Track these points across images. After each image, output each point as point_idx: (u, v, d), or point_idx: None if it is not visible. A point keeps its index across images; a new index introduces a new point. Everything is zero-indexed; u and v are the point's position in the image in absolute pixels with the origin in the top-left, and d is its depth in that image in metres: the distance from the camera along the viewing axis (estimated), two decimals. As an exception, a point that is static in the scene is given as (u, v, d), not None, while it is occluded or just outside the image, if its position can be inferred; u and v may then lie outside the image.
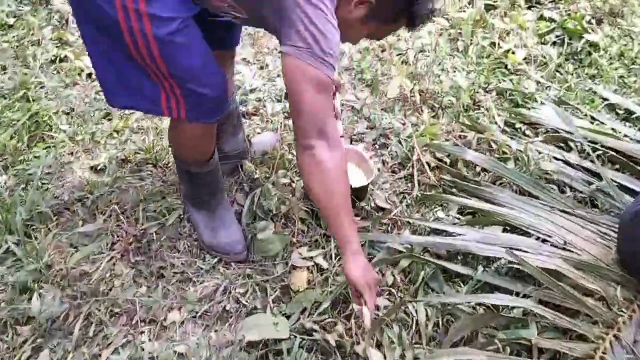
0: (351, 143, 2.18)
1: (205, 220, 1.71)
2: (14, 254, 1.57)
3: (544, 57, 2.89)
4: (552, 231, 1.79)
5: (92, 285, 1.54)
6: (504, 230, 1.86)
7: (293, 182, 1.95)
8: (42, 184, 1.82)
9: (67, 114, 2.16)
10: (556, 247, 1.76)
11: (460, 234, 1.76)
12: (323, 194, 1.30)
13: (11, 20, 2.63)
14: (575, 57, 2.93)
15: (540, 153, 2.17)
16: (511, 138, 2.28)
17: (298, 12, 1.22)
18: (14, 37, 2.49)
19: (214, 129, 1.59)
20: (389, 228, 1.84)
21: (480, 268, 1.65)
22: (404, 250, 1.72)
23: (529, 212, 1.88)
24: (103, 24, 1.30)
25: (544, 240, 1.77)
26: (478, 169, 2.10)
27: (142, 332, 1.48)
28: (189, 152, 1.61)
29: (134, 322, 1.50)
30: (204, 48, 1.39)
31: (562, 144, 2.24)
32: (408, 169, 2.10)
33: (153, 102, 1.44)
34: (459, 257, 1.72)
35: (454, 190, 2.00)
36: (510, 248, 1.67)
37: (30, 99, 2.14)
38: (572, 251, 1.73)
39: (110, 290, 1.55)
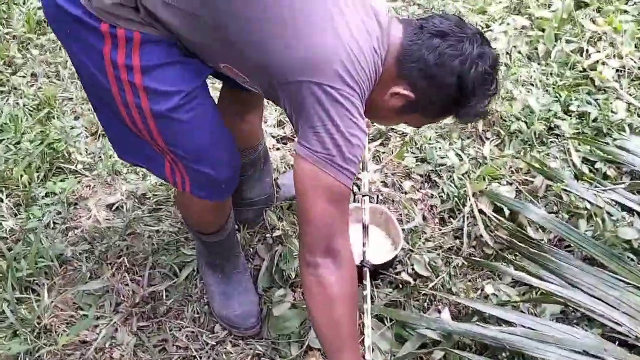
0: (374, 201, 1.91)
1: (217, 285, 1.54)
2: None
3: (642, 70, 2.43)
4: (622, 323, 1.49)
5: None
6: (562, 313, 1.58)
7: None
8: (53, 225, 1.70)
9: (92, 134, 2.02)
10: (625, 345, 1.46)
11: (508, 323, 1.50)
12: (326, 324, 1.09)
13: (50, 16, 2.50)
14: (683, 69, 2.45)
15: (621, 209, 1.81)
16: (589, 182, 1.93)
17: (318, 110, 0.99)
18: (47, 40, 2.36)
19: (227, 202, 1.39)
20: (426, 304, 1.59)
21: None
22: (440, 339, 1.48)
23: (598, 289, 1.58)
24: (99, 93, 1.13)
25: (610, 334, 1.47)
26: (542, 225, 1.78)
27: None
28: (197, 223, 1.43)
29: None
30: (214, 122, 1.19)
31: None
32: (459, 220, 1.82)
33: (159, 169, 1.26)
34: (505, 354, 1.45)
35: (509, 252, 1.71)
36: (567, 349, 1.40)
37: (55, 117, 2.02)
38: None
39: (107, 365, 1.43)
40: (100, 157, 1.90)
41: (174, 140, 1.15)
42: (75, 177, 1.85)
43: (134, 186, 1.84)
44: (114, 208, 1.79)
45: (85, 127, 2.03)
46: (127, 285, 1.59)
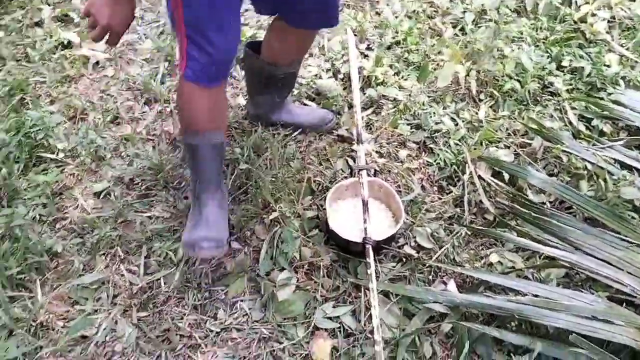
0: (371, 173, 1.86)
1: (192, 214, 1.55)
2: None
3: (632, 20, 2.38)
4: (628, 284, 1.48)
5: (88, 357, 1.37)
6: (567, 276, 1.57)
7: (320, 212, 1.68)
8: (40, 218, 1.62)
9: (71, 119, 1.92)
10: (632, 304, 1.46)
11: (514, 290, 1.48)
12: None
13: (11, -7, 2.35)
14: (674, 18, 2.41)
15: (620, 167, 1.79)
16: (587, 141, 1.90)
17: None
18: (12, 19, 2.22)
19: (219, 105, 1.48)
20: (431, 276, 1.56)
21: (539, 343, 1.37)
22: (447, 311, 1.46)
23: (601, 250, 1.56)
24: None
25: (616, 296, 1.47)
26: (543, 187, 1.75)
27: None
28: (193, 118, 1.45)
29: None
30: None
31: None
32: (459, 188, 1.78)
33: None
34: (513, 323, 1.44)
35: (511, 218, 1.68)
36: (576, 314, 1.39)
37: (28, 105, 1.91)
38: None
39: (110, 359, 1.38)
40: (81, 142, 1.81)
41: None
42: (58, 166, 1.76)
43: (120, 172, 1.76)
44: (101, 196, 1.71)
45: (63, 112, 1.92)
46: (122, 275, 1.53)
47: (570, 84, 2.13)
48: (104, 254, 1.58)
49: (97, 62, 2.14)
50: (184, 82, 1.37)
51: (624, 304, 1.44)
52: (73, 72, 2.08)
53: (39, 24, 2.28)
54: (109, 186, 1.73)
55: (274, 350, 1.41)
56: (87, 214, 1.65)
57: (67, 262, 1.56)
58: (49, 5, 2.34)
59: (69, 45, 2.18)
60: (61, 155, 1.77)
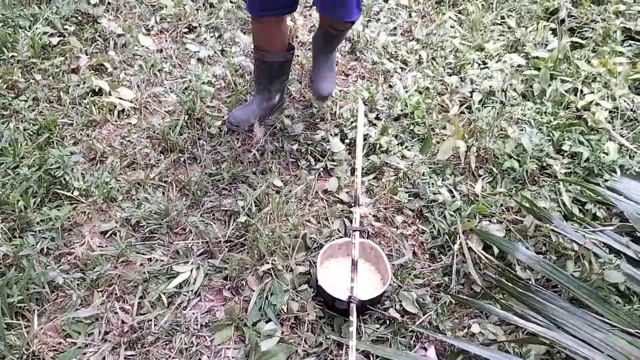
0: (365, 236, 1.93)
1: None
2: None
3: (634, 112, 2.47)
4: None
5: (73, 389, 1.43)
6: (547, 354, 1.59)
7: (312, 268, 1.75)
8: (47, 251, 1.72)
9: (90, 160, 2.05)
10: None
11: (493, 363, 1.51)
12: None
13: (55, 40, 2.55)
14: (674, 112, 2.49)
15: (609, 251, 1.83)
16: (579, 223, 1.95)
17: None
18: (51, 65, 2.41)
19: (266, 29, 2.06)
20: (412, 341, 1.60)
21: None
22: (424, 378, 1.49)
23: (583, 331, 1.59)
24: None
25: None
26: (531, 265, 1.80)
27: None
28: (256, 40, 2.11)
29: None
30: None
31: (640, 236, 1.89)
32: (449, 257, 1.84)
33: None
34: (488, 395, 1.46)
35: (497, 291, 1.72)
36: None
37: (54, 143, 2.05)
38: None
39: (93, 395, 1.44)
40: (96, 184, 1.92)
41: None
42: (71, 204, 1.87)
43: (128, 214, 1.86)
44: (107, 235, 1.81)
45: (84, 154, 2.06)
46: (116, 313, 1.60)
47: (569, 168, 2.20)
48: (101, 290, 1.66)
49: (123, 110, 2.29)
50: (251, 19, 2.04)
51: (600, 387, 1.46)
52: (99, 118, 2.23)
53: (75, 70, 2.46)
54: (116, 226, 1.83)
55: (251, 400, 1.45)
56: (92, 251, 1.75)
57: (66, 296, 1.64)
58: (86, 54, 2.53)
59: (99, 92, 2.35)
60: (76, 193, 1.89)
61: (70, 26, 2.63)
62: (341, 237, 1.84)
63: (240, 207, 1.90)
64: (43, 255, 1.71)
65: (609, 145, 2.27)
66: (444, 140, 2.20)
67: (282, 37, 2.12)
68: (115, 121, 2.26)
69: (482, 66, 2.70)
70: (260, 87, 2.25)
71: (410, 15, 3.00)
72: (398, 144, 2.25)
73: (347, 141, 2.23)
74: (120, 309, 1.61)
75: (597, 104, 2.47)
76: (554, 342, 1.54)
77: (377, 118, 2.38)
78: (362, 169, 2.09)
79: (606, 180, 2.14)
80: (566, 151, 2.25)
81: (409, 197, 2.04)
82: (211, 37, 2.73)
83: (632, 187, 2.10)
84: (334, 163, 2.13)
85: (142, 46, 2.63)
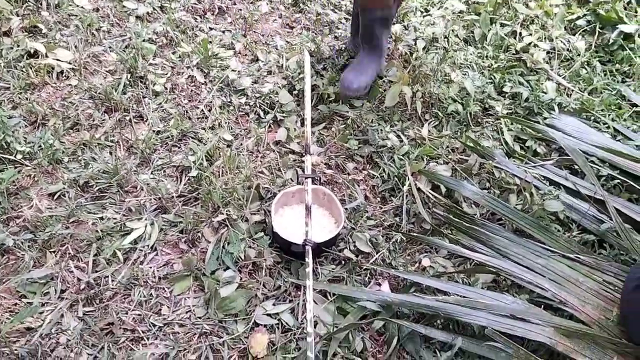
0: (318, 182, 1.97)
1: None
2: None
3: (570, 51, 2.56)
4: (548, 289, 1.60)
5: (32, 347, 1.42)
6: (494, 282, 1.68)
7: (267, 217, 1.77)
8: (-7, 216, 1.68)
9: (32, 124, 1.99)
10: (550, 308, 1.57)
11: (444, 293, 1.59)
12: None
13: (-17, 3, 2.42)
14: (606, 50, 2.60)
15: (549, 184, 1.93)
16: (520, 159, 2.04)
17: None
18: (-19, 28, 2.29)
19: None
20: (367, 278, 1.66)
21: (460, 338, 1.47)
22: (379, 310, 1.55)
23: (526, 258, 1.69)
24: None
25: (537, 299, 1.58)
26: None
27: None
28: None
29: (76, 389, 1.39)
30: None
31: (578, 167, 1.99)
32: (399, 199, 1.90)
33: None
34: (440, 321, 1.54)
35: (446, 227, 1.80)
36: (496, 313, 1.50)
37: (-9, 108, 1.98)
38: (567, 312, 1.55)
39: (53, 351, 1.43)
40: (40, 146, 1.87)
41: None
42: (15, 167, 1.82)
43: (75, 174, 1.82)
44: (56, 197, 1.77)
45: (24, 117, 1.99)
46: (71, 272, 1.59)
47: (510, 108, 2.28)
48: (54, 251, 1.64)
49: (62, 72, 2.21)
50: None
51: (542, 307, 1.56)
52: (37, 80, 2.15)
53: (7, 33, 2.34)
54: (64, 188, 1.79)
55: (213, 344, 1.48)
56: (41, 212, 1.71)
57: (18, 258, 1.61)
58: (17, 15, 2.41)
59: (35, 54, 2.25)
60: (19, 156, 1.83)
61: (-1, -14, 2.49)
62: (294, 185, 1.87)
63: (192, 162, 1.89)
64: (-11, 219, 1.67)
65: (547, 84, 2.36)
66: (390, 87, 2.24)
67: None
68: (55, 83, 2.18)
69: (425, 13, 2.73)
70: (362, 42, 2.23)
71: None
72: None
73: (295, 92, 2.23)
74: (75, 267, 1.60)
75: (535, 46, 2.55)
76: (499, 270, 1.64)
77: (324, 69, 2.39)
78: (312, 119, 2.11)
79: (545, 118, 2.23)
80: (507, 92, 2.33)
81: (358, 144, 2.07)
82: (150, -7, 2.65)
83: (569, 123, 2.20)
84: (283, 115, 2.14)
85: (77, 6, 2.53)
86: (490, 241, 1.74)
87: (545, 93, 2.32)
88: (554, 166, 2.02)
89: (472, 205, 1.88)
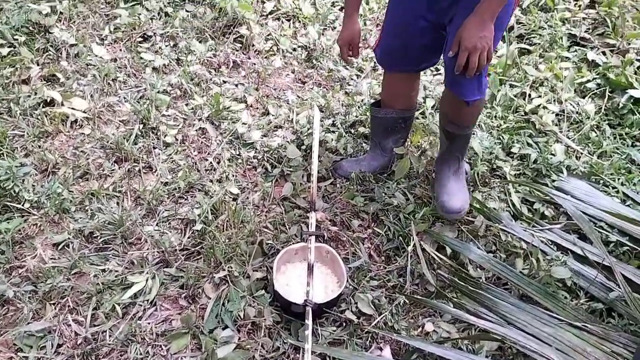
0: (322, 240, 1.96)
1: None
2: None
3: (579, 114, 2.57)
4: (554, 359, 1.55)
5: (24, 404, 1.40)
6: (499, 349, 1.64)
7: (268, 274, 1.76)
8: (-4, 265, 1.69)
9: (42, 172, 2.02)
10: (559, 381, 1.52)
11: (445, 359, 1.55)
12: None
13: (5, 51, 2.50)
14: (616, 114, 2.60)
15: (557, 249, 1.90)
16: (527, 222, 2.02)
17: None
18: (0, 76, 2.36)
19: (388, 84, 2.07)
20: (368, 342, 1.63)
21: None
22: (380, 377, 1.51)
23: (532, 326, 1.65)
24: None
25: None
26: (482, 264, 1.85)
27: None
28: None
29: None
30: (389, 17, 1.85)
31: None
32: (403, 258, 1.88)
33: None
34: (442, 391, 1.50)
35: (450, 290, 1.77)
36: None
37: (3, 155, 2.01)
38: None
39: (44, 409, 1.41)
40: (48, 195, 1.89)
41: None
42: (22, 216, 1.84)
43: (81, 225, 1.83)
44: (60, 247, 1.78)
45: (35, 165, 2.02)
46: (69, 325, 1.58)
47: (518, 170, 2.28)
48: (54, 303, 1.63)
49: (76, 121, 2.26)
50: None
51: (548, 379, 1.51)
52: (51, 129, 2.20)
53: (26, 81, 2.41)
54: (69, 238, 1.80)
55: (207, 408, 1.45)
56: (44, 263, 1.72)
57: (17, 309, 1.61)
58: (37, 65, 2.49)
59: (51, 103, 2.31)
60: (27, 205, 1.86)
61: (21, 36, 2.57)
62: (298, 242, 1.86)
63: (197, 215, 1.90)
64: (-8, 268, 1.68)
65: (556, 147, 2.36)
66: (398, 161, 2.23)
67: (407, 94, 2.07)
68: (68, 132, 2.22)
69: (435, 72, 2.77)
70: (373, 143, 2.17)
71: (365, 24, 3.05)
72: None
73: (303, 147, 2.25)
74: (74, 321, 1.59)
75: (544, 107, 2.56)
76: (504, 337, 1.60)
77: (334, 124, 2.41)
78: (318, 174, 2.12)
79: (554, 181, 2.22)
80: (515, 153, 2.33)
81: (364, 201, 2.07)
82: (166, 46, 2.72)
83: (578, 187, 2.19)
84: (290, 169, 2.15)
85: (96, 56, 2.61)
86: (495, 306, 1.70)
87: (554, 155, 2.32)
88: (562, 230, 2.00)
89: (478, 269, 1.85)
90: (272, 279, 1.69)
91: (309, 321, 1.55)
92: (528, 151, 2.31)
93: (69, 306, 1.62)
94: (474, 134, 2.37)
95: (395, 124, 2.11)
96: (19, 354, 1.51)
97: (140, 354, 1.54)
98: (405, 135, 2.18)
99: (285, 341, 1.59)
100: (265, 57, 2.77)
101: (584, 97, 2.67)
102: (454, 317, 1.70)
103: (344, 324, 1.67)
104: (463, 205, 1.94)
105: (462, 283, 1.75)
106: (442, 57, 1.85)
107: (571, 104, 2.61)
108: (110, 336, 1.57)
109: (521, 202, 2.11)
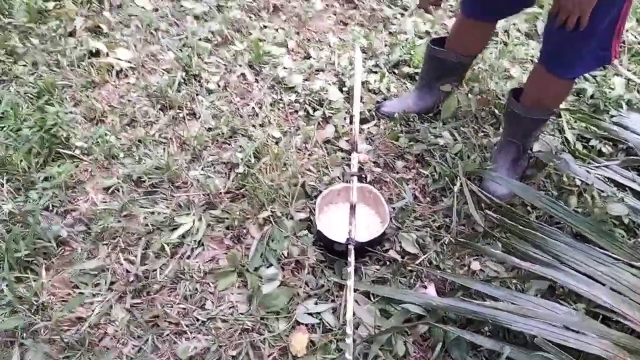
0: (364, 181, 1.92)
1: None
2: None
3: (643, 45, 2.40)
4: (606, 301, 1.49)
5: (81, 336, 1.47)
6: (550, 289, 1.59)
7: (312, 215, 1.76)
8: (51, 208, 1.75)
9: (91, 120, 2.07)
10: (609, 320, 1.47)
11: (492, 297, 1.51)
12: None
13: (50, 5, 2.54)
14: (685, 43, 2.41)
15: (614, 186, 1.81)
16: (582, 159, 1.93)
17: None
18: (47, 29, 2.40)
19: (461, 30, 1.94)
20: (412, 280, 1.61)
21: (507, 347, 1.39)
22: (424, 314, 1.50)
23: (586, 265, 1.58)
24: None
25: (595, 310, 1.48)
26: (533, 202, 1.78)
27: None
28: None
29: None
30: None
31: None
32: (450, 199, 1.83)
33: None
34: (488, 328, 1.47)
35: (499, 230, 1.72)
36: (550, 323, 1.41)
37: (53, 105, 2.06)
38: (628, 326, 1.44)
39: (100, 341, 1.48)
40: (97, 141, 1.94)
41: None
42: (73, 162, 1.89)
43: (130, 170, 1.88)
44: (110, 191, 1.83)
45: (84, 114, 2.07)
46: (121, 264, 1.64)
47: (574, 106, 2.16)
48: (106, 243, 1.69)
49: (121, 70, 2.29)
50: None
51: (599, 319, 1.45)
52: (98, 79, 2.24)
53: (71, 34, 2.45)
54: (118, 182, 1.85)
55: (254, 341, 1.48)
56: (95, 206, 1.78)
57: (72, 249, 1.68)
58: (82, 17, 2.52)
59: (97, 53, 2.34)
60: (78, 152, 1.91)
61: (66, -11, 2.60)
62: (341, 183, 1.84)
63: (240, 158, 1.90)
64: (48, 211, 1.75)
65: (615, 80, 2.22)
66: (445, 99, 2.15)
67: (478, 43, 1.98)
68: (114, 81, 2.26)
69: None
70: (422, 82, 2.10)
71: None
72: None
73: (345, 89, 2.20)
74: (125, 260, 1.64)
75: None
76: (554, 279, 1.54)
77: (377, 65, 2.34)
78: (362, 116, 2.07)
79: (612, 116, 2.09)
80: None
81: (409, 142, 2.02)
82: (207, -8, 2.69)
83: (639, 121, 2.05)
84: (332, 112, 2.12)
85: (138, 6, 2.61)
86: (546, 246, 1.63)
87: (613, 89, 2.18)
88: (620, 167, 1.89)
89: (528, 207, 1.78)
90: (315, 219, 1.69)
91: (351, 259, 1.54)
92: (584, 85, 2.18)
93: (120, 246, 1.68)
94: (525, 70, 2.25)
95: (453, 67, 2.02)
96: (75, 290, 1.58)
97: (189, 290, 1.59)
98: (459, 79, 2.09)
99: (329, 279, 1.60)
100: (306, 0, 2.70)
101: (647, 27, 2.48)
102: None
103: (388, 263, 1.65)
104: (502, 193, 1.81)
105: (512, 222, 1.69)
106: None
107: (632, 35, 2.43)
108: (160, 274, 1.62)
109: (576, 138, 2.01)
